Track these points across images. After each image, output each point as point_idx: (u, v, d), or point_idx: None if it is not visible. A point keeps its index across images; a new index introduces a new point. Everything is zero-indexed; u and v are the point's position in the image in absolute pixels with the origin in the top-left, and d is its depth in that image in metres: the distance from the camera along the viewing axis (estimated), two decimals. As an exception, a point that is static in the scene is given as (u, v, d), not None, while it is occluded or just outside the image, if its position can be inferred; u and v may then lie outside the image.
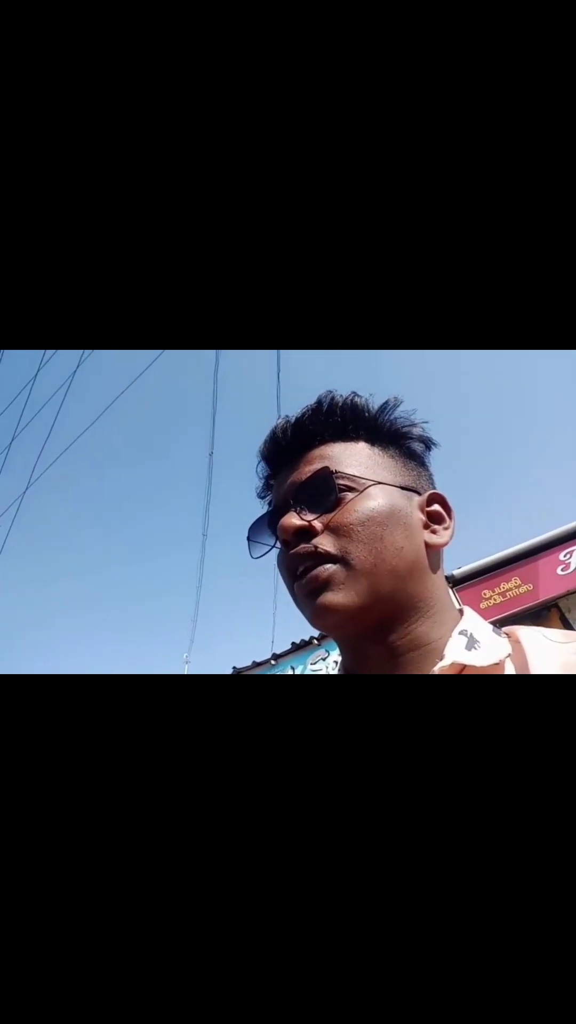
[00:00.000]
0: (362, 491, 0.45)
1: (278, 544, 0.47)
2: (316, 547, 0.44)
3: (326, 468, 0.46)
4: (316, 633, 6.08)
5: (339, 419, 0.49)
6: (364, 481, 0.46)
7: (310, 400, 0.50)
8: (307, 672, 5.81)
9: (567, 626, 4.61)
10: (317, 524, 0.44)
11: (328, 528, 0.44)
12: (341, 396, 0.50)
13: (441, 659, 0.41)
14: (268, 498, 0.54)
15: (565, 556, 4.68)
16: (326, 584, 0.42)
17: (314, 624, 0.44)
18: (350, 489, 0.45)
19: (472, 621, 0.46)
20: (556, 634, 0.44)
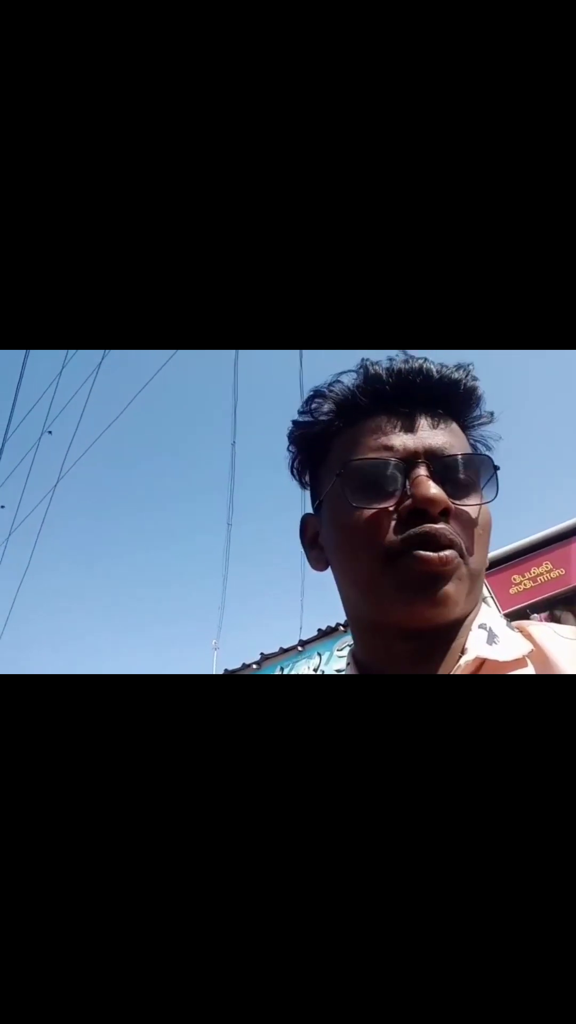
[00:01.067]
0: (485, 499, 0.43)
1: (375, 501, 0.40)
2: (456, 536, 0.40)
3: (489, 458, 0.44)
4: (343, 619, 6.09)
5: (472, 404, 0.45)
6: (487, 485, 0.43)
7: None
8: (333, 657, 5.84)
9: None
10: (452, 507, 0.40)
11: (456, 516, 0.40)
12: (472, 378, 0.45)
13: (464, 653, 0.40)
14: (324, 417, 0.46)
15: (599, 539, 4.54)
16: (452, 573, 0.39)
17: (412, 610, 0.39)
18: (484, 491, 0.43)
19: (489, 614, 0.44)
20: (566, 630, 0.43)
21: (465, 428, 0.46)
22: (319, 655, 6.05)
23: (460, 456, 0.42)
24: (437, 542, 0.39)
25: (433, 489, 0.39)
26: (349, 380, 0.45)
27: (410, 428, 0.42)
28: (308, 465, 0.49)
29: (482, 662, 0.40)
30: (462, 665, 0.39)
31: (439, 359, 0.45)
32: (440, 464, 0.41)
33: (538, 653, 0.41)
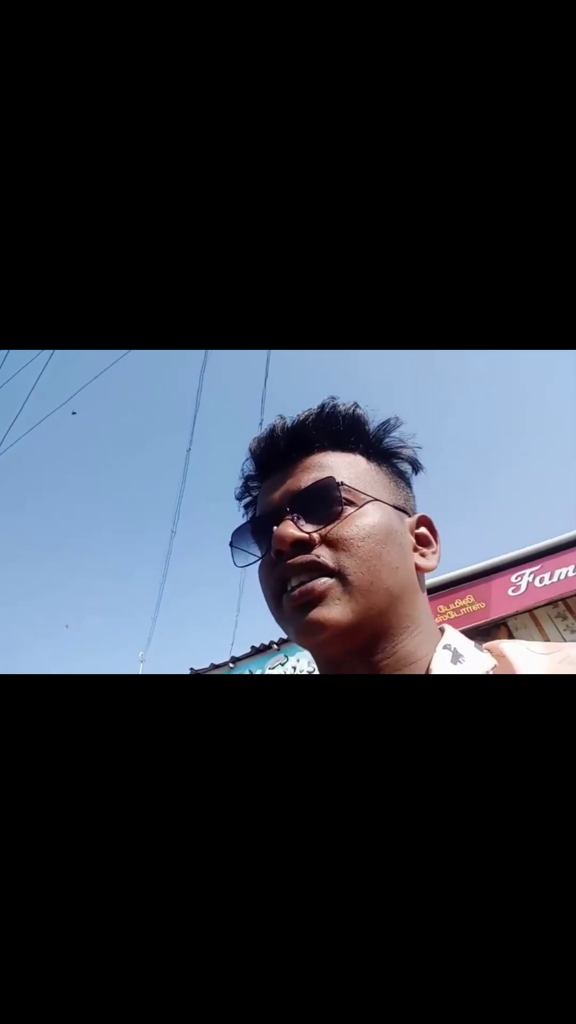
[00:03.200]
0: (361, 506, 0.44)
1: (265, 553, 0.45)
2: (314, 559, 0.42)
3: (331, 478, 0.44)
4: (276, 637, 6.13)
5: (341, 428, 0.48)
6: (363, 496, 0.44)
7: (298, 401, 0.51)
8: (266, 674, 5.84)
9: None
10: (316, 536, 0.43)
11: (326, 541, 0.43)
12: (344, 405, 0.48)
13: (428, 673, 0.41)
14: (248, 500, 0.51)
15: (516, 579, 4.96)
16: (320, 599, 0.41)
17: (300, 640, 0.42)
18: (350, 503, 0.44)
19: (454, 637, 0.45)
20: (538, 646, 0.44)
21: (373, 450, 0.49)
22: (250, 672, 6.04)
23: (306, 489, 0.44)
24: (296, 574, 0.42)
25: (284, 529, 0.42)
26: (248, 465, 0.51)
27: (278, 484, 0.47)
28: None
29: None
30: None
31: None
32: (295, 504, 0.44)
33: (504, 668, 0.42)
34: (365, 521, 0.44)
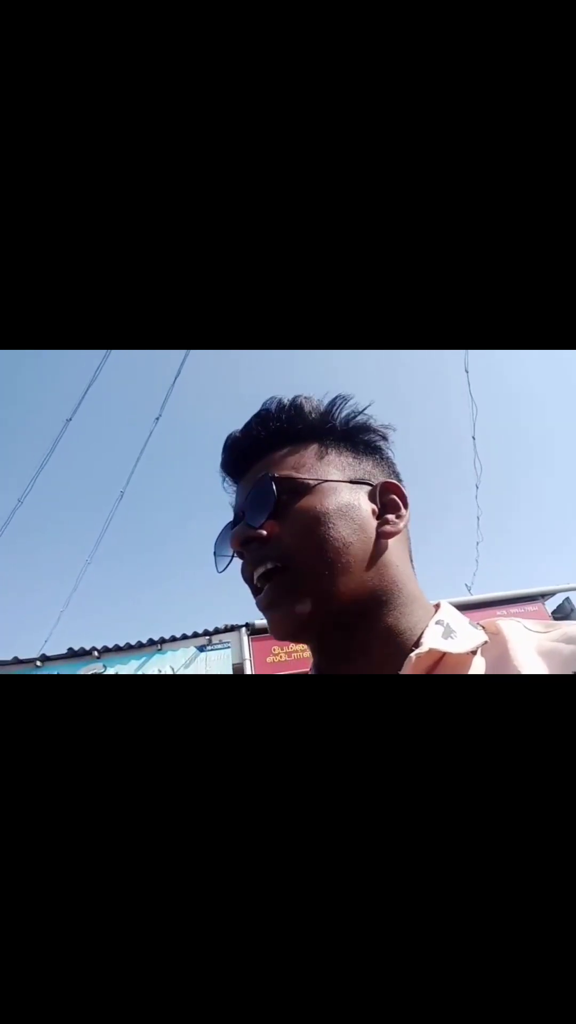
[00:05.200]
0: (305, 493, 0.45)
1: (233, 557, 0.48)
2: (262, 553, 0.44)
3: (263, 476, 0.46)
4: (99, 644, 5.67)
5: (284, 424, 0.48)
6: (305, 481, 0.45)
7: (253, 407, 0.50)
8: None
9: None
10: (263, 532, 0.44)
11: (273, 535, 0.44)
12: (285, 400, 0.50)
13: (418, 647, 0.41)
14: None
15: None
16: (276, 592, 0.43)
17: (274, 635, 0.44)
18: (293, 491, 0.45)
19: (449, 613, 0.46)
20: (535, 624, 0.45)
21: (326, 433, 0.49)
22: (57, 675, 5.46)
23: (248, 493, 0.47)
24: (256, 569, 0.45)
25: (233, 534, 0.46)
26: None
27: (242, 490, 0.49)
28: None
29: (440, 655, 0.41)
30: (412, 659, 0.40)
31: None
32: (245, 507, 0.47)
33: (498, 645, 0.43)
34: (306, 505, 0.45)
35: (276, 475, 0.46)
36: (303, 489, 0.45)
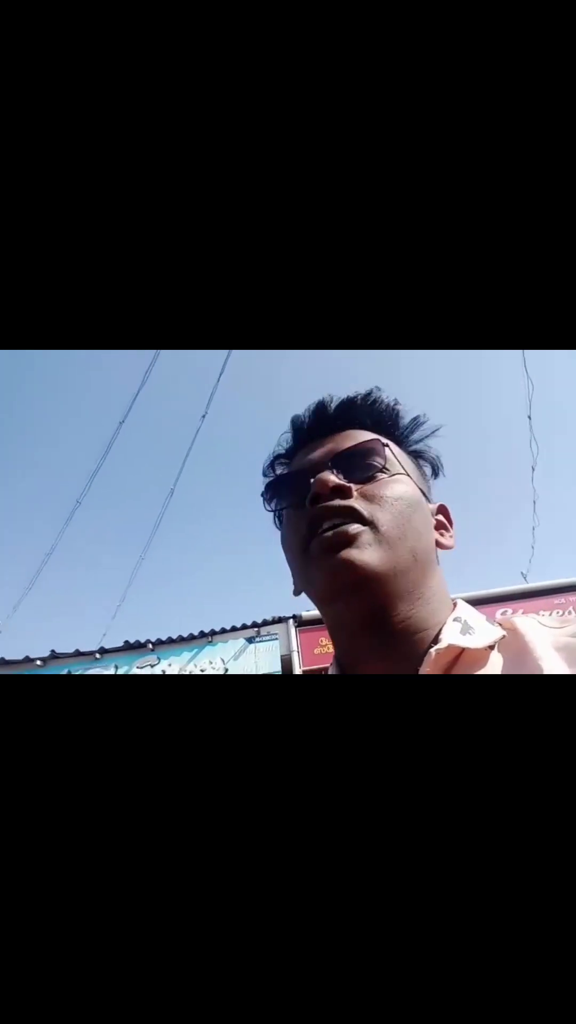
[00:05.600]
0: (398, 477, 0.48)
1: (298, 503, 0.47)
2: (350, 506, 0.44)
3: (376, 440, 0.48)
4: (153, 637, 5.89)
5: (383, 414, 0.52)
6: (399, 468, 0.48)
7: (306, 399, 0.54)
8: (132, 673, 5.57)
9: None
10: (353, 488, 0.46)
11: (362, 495, 0.46)
12: (388, 397, 0.53)
13: (437, 643, 0.42)
14: (282, 470, 0.54)
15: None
16: (353, 540, 0.43)
17: (327, 582, 0.43)
18: (385, 470, 0.47)
19: (466, 610, 0.47)
20: (550, 620, 0.46)
21: (404, 442, 0.54)
22: (116, 667, 5.71)
23: (353, 447, 0.48)
24: (330, 515, 0.44)
25: (326, 476, 0.45)
26: (286, 438, 0.55)
27: (319, 446, 0.50)
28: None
29: (459, 651, 0.42)
30: (432, 654, 0.41)
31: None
32: (338, 461, 0.47)
33: (514, 640, 0.44)
34: (399, 486, 0.47)
35: (387, 444, 0.49)
36: (397, 473, 0.48)
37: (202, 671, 5.55)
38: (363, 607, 0.43)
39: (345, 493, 0.45)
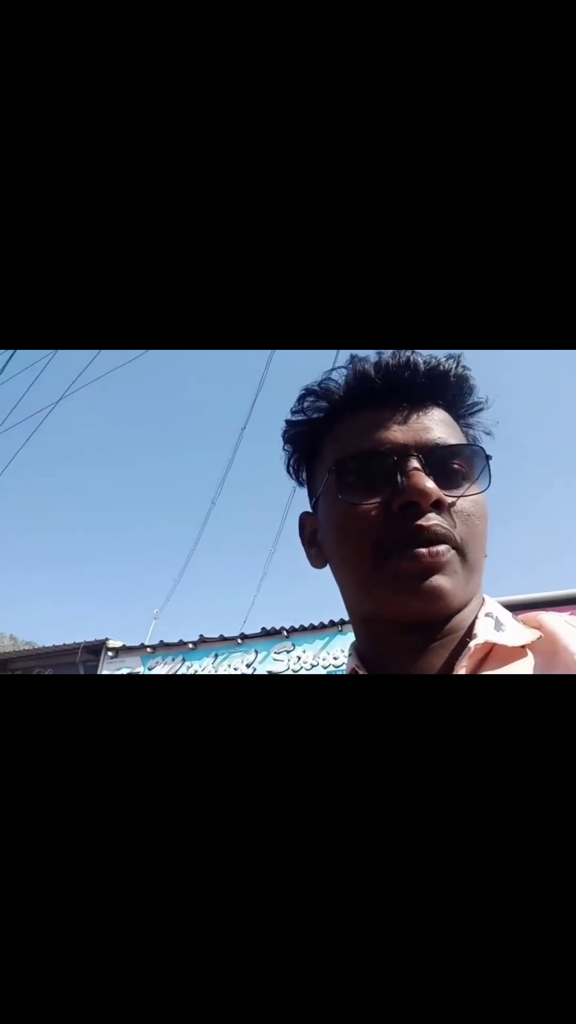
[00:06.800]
0: (474, 481, 0.42)
1: (386, 497, 0.40)
2: (449, 529, 0.40)
3: (481, 448, 0.43)
4: (287, 624, 6.22)
5: (464, 392, 0.46)
6: (475, 473, 0.43)
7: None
8: (270, 659, 5.96)
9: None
10: (446, 499, 0.40)
11: (454, 509, 0.40)
12: (473, 376, 0.46)
13: (473, 638, 0.40)
14: (316, 415, 0.47)
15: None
16: (445, 567, 0.39)
17: (408, 603, 0.39)
18: (472, 479, 0.42)
19: (494, 606, 0.45)
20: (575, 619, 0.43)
21: (459, 418, 0.46)
22: (256, 652, 6.15)
23: (452, 447, 0.42)
24: (428, 537, 0.39)
25: (424, 482, 0.39)
26: (339, 377, 0.46)
27: (401, 422, 0.42)
28: (303, 463, 0.50)
29: (491, 647, 0.40)
30: (471, 649, 0.39)
31: (434, 356, 0.45)
32: (431, 456, 0.41)
33: (547, 640, 0.41)
34: (482, 501, 0.43)
35: (489, 456, 0.43)
36: (479, 480, 0.42)
37: (335, 659, 5.73)
38: (425, 624, 0.40)
39: (442, 507, 0.40)
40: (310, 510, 0.50)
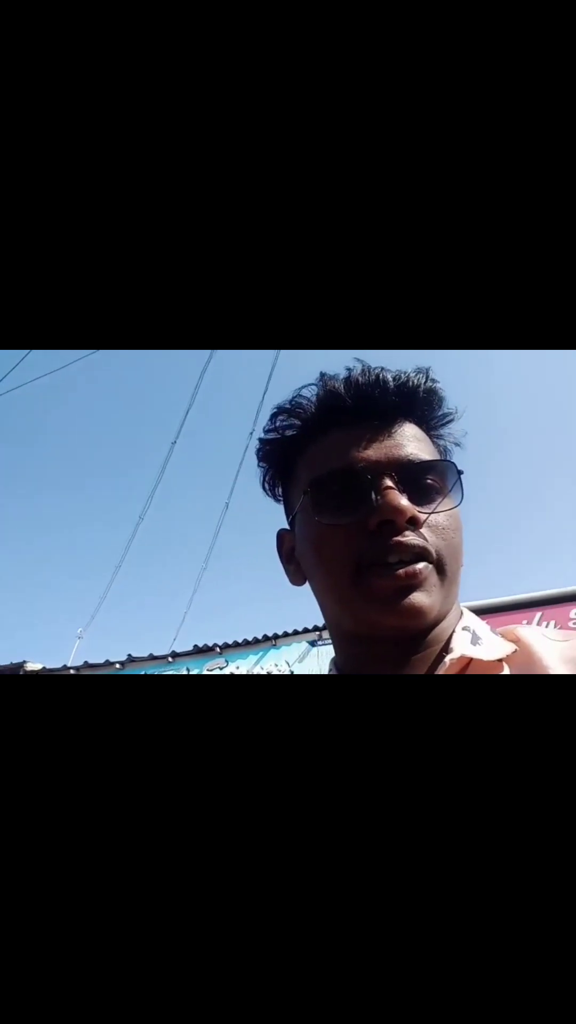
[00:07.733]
0: (446, 495, 0.43)
1: (360, 516, 0.41)
2: (422, 543, 0.40)
3: (452, 463, 0.44)
4: (220, 640, 6.15)
5: (433, 408, 0.46)
6: (447, 485, 0.43)
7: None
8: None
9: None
10: (420, 515, 0.40)
11: (428, 524, 0.41)
12: (442, 388, 0.46)
13: (449, 652, 0.40)
14: (289, 433, 0.47)
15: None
16: (422, 583, 0.39)
17: (387, 620, 0.39)
18: (445, 493, 0.43)
19: (472, 619, 0.45)
20: (554, 633, 0.44)
21: (430, 430, 0.47)
22: (187, 670, 6.01)
23: (424, 464, 0.42)
24: (405, 554, 0.39)
25: (399, 499, 0.39)
26: (310, 394, 0.47)
27: (373, 439, 0.43)
28: (278, 481, 0.51)
29: (468, 661, 0.40)
30: (447, 663, 0.39)
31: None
32: (404, 473, 0.41)
33: (523, 653, 0.41)
34: (455, 514, 0.43)
35: (460, 471, 0.43)
36: (447, 492, 0.43)
37: (268, 674, 5.72)
38: (404, 639, 0.41)
39: (417, 523, 0.40)
40: (287, 527, 0.51)
